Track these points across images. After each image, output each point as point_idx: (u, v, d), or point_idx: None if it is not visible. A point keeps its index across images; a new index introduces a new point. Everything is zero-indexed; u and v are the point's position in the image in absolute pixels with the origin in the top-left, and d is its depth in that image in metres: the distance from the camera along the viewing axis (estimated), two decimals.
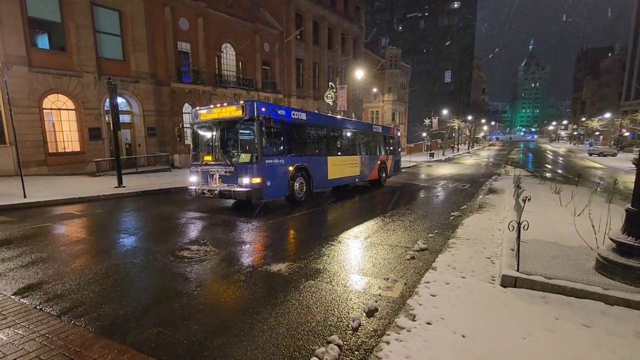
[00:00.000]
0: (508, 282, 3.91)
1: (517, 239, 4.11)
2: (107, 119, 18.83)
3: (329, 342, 2.91)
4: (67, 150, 17.46)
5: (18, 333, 3.08)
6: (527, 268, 4.03)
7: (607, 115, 58.18)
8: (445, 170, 24.20)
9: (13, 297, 3.84)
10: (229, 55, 25.63)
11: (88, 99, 17.64)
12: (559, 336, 2.90)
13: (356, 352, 2.85)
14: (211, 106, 9.68)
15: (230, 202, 10.55)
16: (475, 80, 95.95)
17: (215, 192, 9.17)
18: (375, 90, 46.13)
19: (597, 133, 63.66)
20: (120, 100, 18.61)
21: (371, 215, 8.82)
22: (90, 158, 17.69)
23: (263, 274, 4.61)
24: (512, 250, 4.67)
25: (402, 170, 20.48)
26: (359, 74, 25.93)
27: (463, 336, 2.87)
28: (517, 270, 3.98)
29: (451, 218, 8.37)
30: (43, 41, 16.77)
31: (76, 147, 17.75)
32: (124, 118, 19.40)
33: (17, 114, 15.21)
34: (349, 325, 3.25)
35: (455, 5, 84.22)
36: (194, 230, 7.29)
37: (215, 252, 5.58)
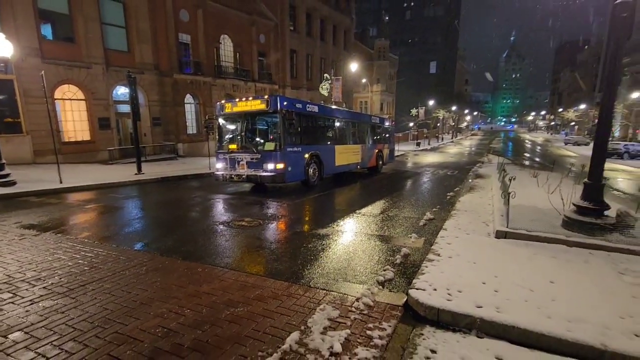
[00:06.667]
0: (500, 234, 5.39)
1: (507, 204, 5.58)
2: (115, 109, 19.53)
3: (385, 270, 4.30)
4: (78, 140, 18.13)
5: (147, 264, 4.33)
6: (514, 226, 5.51)
7: (582, 106, 61.37)
8: (433, 158, 25.89)
9: (135, 249, 5.06)
10: (227, 47, 26.30)
11: (97, 89, 18.26)
12: (535, 262, 4.38)
13: (405, 274, 4.25)
14: (236, 100, 10.79)
15: (247, 186, 11.77)
16: (459, 71, 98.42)
17: (243, 177, 10.37)
18: (364, 80, 47.39)
19: (573, 123, 67.08)
20: (126, 90, 19.21)
21: (378, 196, 10.24)
22: (100, 147, 18.42)
23: (314, 235, 5.95)
24: (502, 216, 6.17)
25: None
26: (353, 66, 27.08)
27: (474, 262, 4.31)
28: (507, 227, 5.46)
29: (448, 197, 9.89)
30: (53, 33, 17.22)
31: (87, 136, 18.44)
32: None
33: (32, 104, 15.85)
34: (394, 262, 4.65)
35: None
36: (236, 208, 8.52)
37: (266, 222, 6.88)
